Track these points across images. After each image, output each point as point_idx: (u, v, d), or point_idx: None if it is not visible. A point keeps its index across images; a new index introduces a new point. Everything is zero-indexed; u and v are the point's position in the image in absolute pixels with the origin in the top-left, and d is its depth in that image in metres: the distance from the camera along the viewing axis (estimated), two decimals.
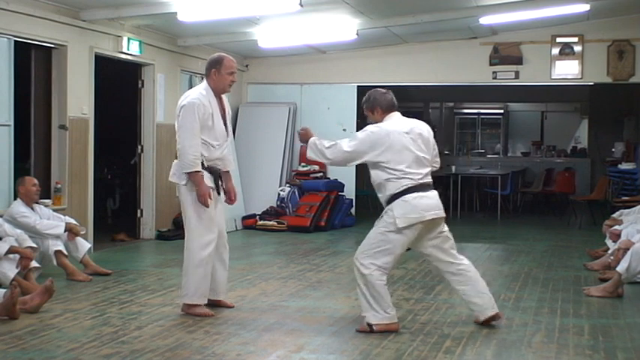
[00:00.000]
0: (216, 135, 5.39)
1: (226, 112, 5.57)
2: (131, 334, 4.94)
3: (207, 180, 5.37)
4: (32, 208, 6.88)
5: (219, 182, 5.52)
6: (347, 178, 11.81)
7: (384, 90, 5.23)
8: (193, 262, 5.38)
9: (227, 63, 5.43)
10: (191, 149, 5.28)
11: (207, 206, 5.31)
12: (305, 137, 5.22)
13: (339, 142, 5.09)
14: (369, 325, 5.00)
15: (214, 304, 5.66)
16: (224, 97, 5.60)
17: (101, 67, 8.77)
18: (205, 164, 5.38)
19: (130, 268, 7.45)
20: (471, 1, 9.63)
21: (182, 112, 5.33)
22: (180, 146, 5.34)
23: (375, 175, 5.12)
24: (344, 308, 5.80)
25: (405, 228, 4.95)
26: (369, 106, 5.20)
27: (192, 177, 5.30)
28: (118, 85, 10.18)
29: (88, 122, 8.55)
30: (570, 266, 8.02)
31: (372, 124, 5.17)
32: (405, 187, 4.99)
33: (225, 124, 5.51)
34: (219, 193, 5.51)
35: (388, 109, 5.17)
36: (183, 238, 5.55)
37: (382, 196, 5.12)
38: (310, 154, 5.18)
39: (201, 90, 5.44)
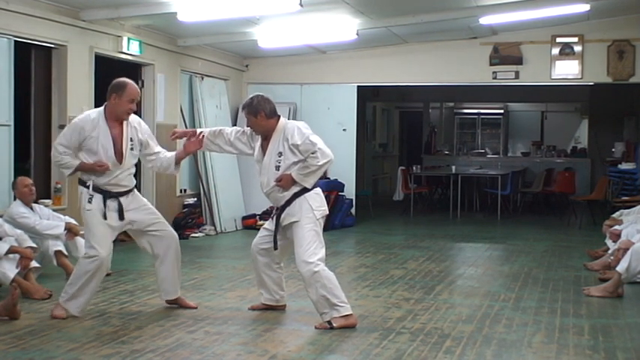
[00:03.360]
0: (101, 160, 5.26)
1: (126, 138, 5.35)
2: (131, 334, 4.94)
3: (97, 200, 5.28)
4: (32, 208, 6.87)
5: (120, 205, 5.35)
6: (347, 178, 11.81)
7: (267, 96, 5.41)
8: (78, 272, 5.34)
9: (130, 90, 5.31)
10: (59, 155, 5.25)
11: (106, 167, 5.24)
12: (287, 182, 5.25)
13: (314, 149, 5.16)
14: (329, 323, 5.13)
15: (175, 305, 5.71)
16: (135, 122, 5.45)
17: (101, 67, 8.76)
18: (92, 184, 5.29)
19: (130, 268, 7.44)
20: (471, 1, 9.63)
21: (66, 127, 5.34)
22: (53, 155, 5.32)
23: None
24: None
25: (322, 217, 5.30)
26: (252, 111, 5.31)
27: (80, 169, 5.27)
28: None
29: None
30: (570, 266, 8.01)
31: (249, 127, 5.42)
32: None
33: (118, 150, 5.31)
34: (121, 218, 5.37)
35: (272, 115, 5.34)
36: (183, 238, 5.55)
37: (290, 192, 5.28)
38: (313, 178, 5.25)
39: (92, 112, 5.37)
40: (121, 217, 5.36)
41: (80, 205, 5.37)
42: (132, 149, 5.39)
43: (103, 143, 5.27)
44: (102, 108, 5.38)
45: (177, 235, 5.75)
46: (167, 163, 5.58)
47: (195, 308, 5.69)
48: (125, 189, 5.41)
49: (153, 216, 5.58)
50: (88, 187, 5.30)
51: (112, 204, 5.33)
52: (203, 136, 5.56)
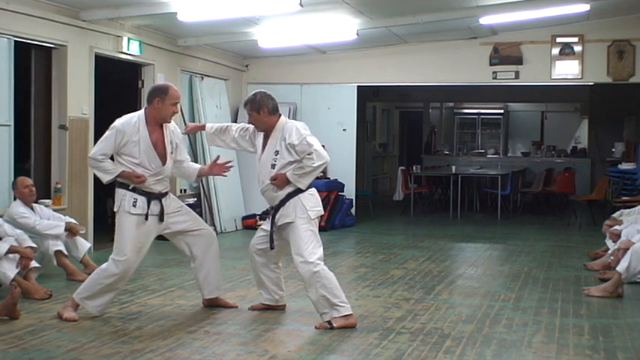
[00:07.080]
0: (144, 163, 5.24)
1: (167, 141, 5.37)
2: (131, 334, 4.95)
3: (141, 203, 5.25)
4: (32, 208, 6.88)
5: (161, 206, 5.35)
6: (347, 178, 11.82)
7: (269, 93, 5.43)
8: (103, 274, 5.32)
9: (172, 93, 5.31)
10: (99, 163, 5.19)
11: (144, 179, 5.20)
12: (282, 181, 5.25)
13: (309, 150, 5.16)
14: (330, 323, 5.13)
15: (214, 306, 5.71)
16: (171, 127, 5.44)
17: (101, 67, 8.76)
18: (132, 186, 5.26)
19: None
20: (471, 1, 9.63)
21: (107, 131, 5.26)
22: (90, 159, 5.26)
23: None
24: None
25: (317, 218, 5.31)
26: (255, 106, 5.34)
27: (121, 177, 5.22)
28: (118, 85, 10.17)
29: (88, 122, 8.56)
30: (570, 266, 8.02)
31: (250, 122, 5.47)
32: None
33: (160, 153, 5.31)
34: (161, 220, 5.36)
35: (274, 111, 5.37)
36: None
37: (284, 191, 5.28)
38: (307, 179, 5.25)
39: (132, 117, 5.32)
40: (161, 219, 5.36)
41: (120, 208, 5.28)
42: (172, 153, 5.42)
43: (144, 148, 5.26)
44: (141, 112, 5.36)
45: (214, 233, 5.81)
46: (189, 173, 5.70)
47: (236, 307, 5.73)
48: (165, 191, 5.42)
49: (190, 216, 5.60)
50: (132, 190, 5.25)
51: (154, 207, 5.32)
52: (227, 162, 5.68)
